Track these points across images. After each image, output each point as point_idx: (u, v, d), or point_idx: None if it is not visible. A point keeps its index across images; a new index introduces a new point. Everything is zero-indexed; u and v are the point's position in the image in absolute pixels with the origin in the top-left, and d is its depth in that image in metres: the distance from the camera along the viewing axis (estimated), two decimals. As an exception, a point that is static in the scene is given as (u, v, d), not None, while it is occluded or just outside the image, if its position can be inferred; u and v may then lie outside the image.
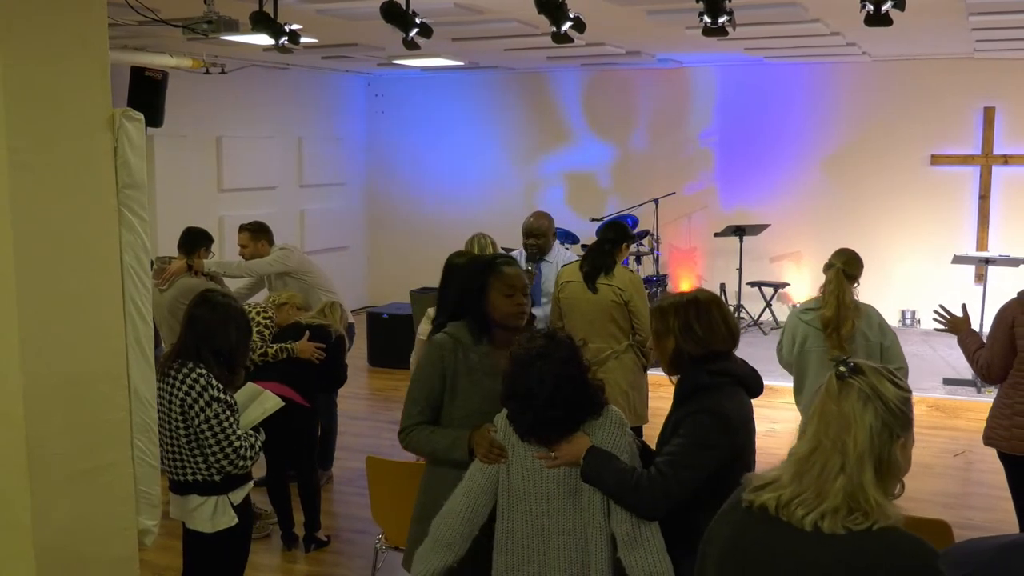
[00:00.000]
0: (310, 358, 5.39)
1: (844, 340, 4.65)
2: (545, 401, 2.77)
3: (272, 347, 5.38)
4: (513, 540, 2.87)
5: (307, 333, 5.47)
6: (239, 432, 3.70)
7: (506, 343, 3.22)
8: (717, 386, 2.88)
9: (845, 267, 4.76)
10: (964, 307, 4.69)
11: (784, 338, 5.00)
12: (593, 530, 2.81)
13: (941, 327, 4.71)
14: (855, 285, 4.79)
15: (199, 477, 3.71)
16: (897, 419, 1.90)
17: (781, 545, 1.92)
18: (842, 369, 1.94)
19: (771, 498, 1.94)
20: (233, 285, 6.72)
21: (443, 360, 3.23)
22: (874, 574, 1.83)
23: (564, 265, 5.77)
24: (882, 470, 1.88)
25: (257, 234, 6.63)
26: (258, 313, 5.59)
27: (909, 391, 1.97)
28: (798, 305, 5.53)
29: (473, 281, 3.30)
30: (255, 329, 5.36)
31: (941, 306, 4.73)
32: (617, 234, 5.58)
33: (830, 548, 1.85)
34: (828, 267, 4.82)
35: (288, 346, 5.39)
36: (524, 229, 6.11)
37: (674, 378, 3.02)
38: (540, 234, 6.04)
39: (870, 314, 4.77)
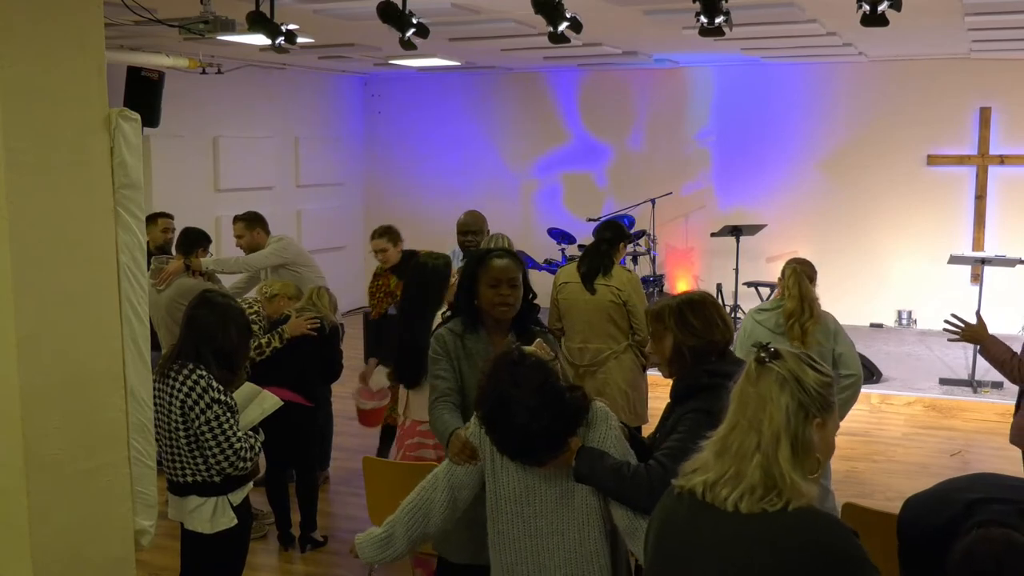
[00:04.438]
0: (305, 333, 5.28)
1: (806, 333, 4.58)
2: (523, 430, 2.68)
3: (263, 338, 5.29)
4: (505, 541, 2.86)
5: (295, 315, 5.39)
6: (239, 433, 3.70)
7: (500, 331, 3.43)
8: (714, 387, 2.84)
9: (801, 267, 4.81)
10: (979, 315, 4.34)
11: (739, 341, 4.79)
12: (589, 529, 2.79)
13: (955, 338, 4.23)
14: (814, 286, 4.81)
15: (198, 478, 3.71)
16: (814, 401, 1.99)
17: (705, 526, 2.01)
18: (762, 354, 2.01)
19: (699, 482, 2.03)
20: (229, 280, 6.71)
21: (446, 347, 3.44)
22: (793, 553, 1.91)
23: (561, 266, 5.80)
24: (797, 448, 1.96)
25: (252, 223, 6.62)
26: (248, 307, 5.54)
27: (830, 376, 2.05)
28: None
29: (466, 274, 3.48)
30: None
31: (953, 315, 4.28)
32: (614, 234, 5.58)
33: (749, 528, 1.94)
34: (784, 271, 4.85)
35: (279, 331, 5.30)
36: (459, 226, 6.30)
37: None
38: (477, 231, 6.19)
39: (826, 320, 4.73)
